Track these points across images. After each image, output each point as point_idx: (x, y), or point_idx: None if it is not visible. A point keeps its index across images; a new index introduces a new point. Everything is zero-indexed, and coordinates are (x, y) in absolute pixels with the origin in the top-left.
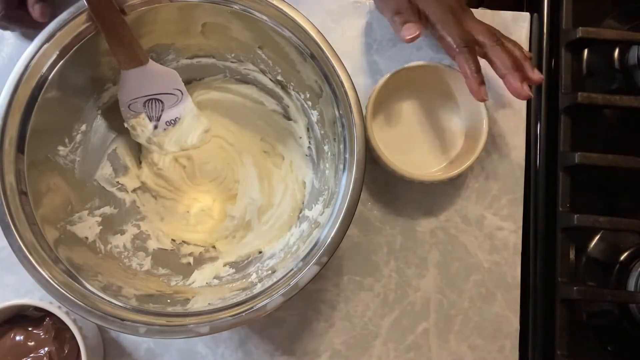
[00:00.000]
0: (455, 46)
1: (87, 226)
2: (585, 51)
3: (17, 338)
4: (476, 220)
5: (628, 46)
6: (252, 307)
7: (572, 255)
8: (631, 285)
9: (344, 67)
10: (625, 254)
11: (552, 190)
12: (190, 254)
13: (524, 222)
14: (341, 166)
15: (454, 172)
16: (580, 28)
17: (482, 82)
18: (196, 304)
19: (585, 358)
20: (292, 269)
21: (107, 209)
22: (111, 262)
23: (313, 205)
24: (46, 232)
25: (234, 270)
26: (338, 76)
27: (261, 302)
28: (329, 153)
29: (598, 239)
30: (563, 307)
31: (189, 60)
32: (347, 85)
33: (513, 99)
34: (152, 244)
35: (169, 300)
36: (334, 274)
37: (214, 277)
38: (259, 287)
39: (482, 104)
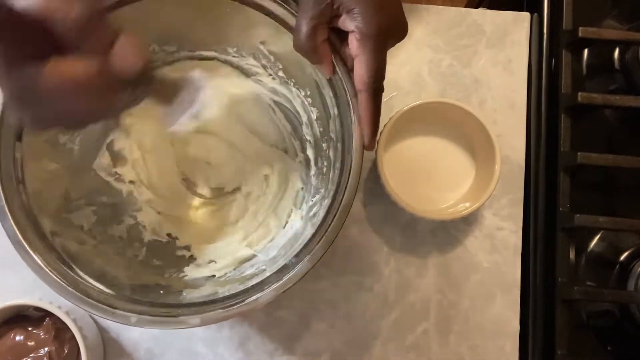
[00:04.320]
0: (368, 80)
1: (84, 215)
2: (585, 51)
3: (17, 338)
4: (476, 220)
5: (628, 46)
6: (243, 301)
7: (572, 255)
8: (631, 285)
9: (345, 64)
10: (625, 254)
11: (552, 190)
12: (186, 247)
13: (524, 222)
14: (338, 164)
15: (464, 211)
16: (580, 28)
17: (376, 134)
18: (189, 296)
19: (585, 358)
20: (286, 265)
21: (104, 199)
22: (106, 251)
23: (309, 203)
24: (42, 219)
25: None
26: (338, 73)
27: (253, 296)
28: (327, 151)
29: (598, 239)
30: (563, 307)
31: (191, 53)
32: (347, 83)
33: (513, 99)
34: (148, 236)
35: (162, 292)
36: (334, 274)
37: (208, 270)
38: (252, 282)
39: (496, 145)
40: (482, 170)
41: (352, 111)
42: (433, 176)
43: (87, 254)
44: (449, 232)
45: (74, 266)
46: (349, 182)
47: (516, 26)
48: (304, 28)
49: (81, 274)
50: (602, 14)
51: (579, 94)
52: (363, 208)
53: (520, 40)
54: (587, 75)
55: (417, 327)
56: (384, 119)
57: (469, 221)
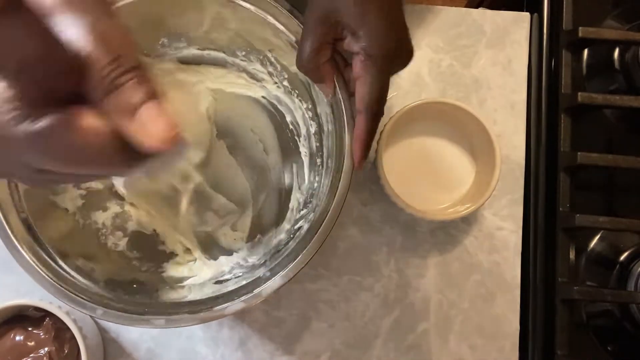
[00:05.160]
0: (369, 102)
1: (70, 197)
2: (585, 51)
3: (17, 338)
4: (476, 220)
5: (628, 46)
6: (211, 308)
7: (572, 255)
8: (631, 285)
9: (346, 84)
10: (625, 254)
11: (552, 190)
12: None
13: (524, 222)
14: (327, 181)
15: (464, 211)
16: (580, 28)
17: (367, 155)
18: (161, 296)
19: (585, 358)
20: (259, 278)
21: (93, 184)
22: (87, 237)
23: (297, 216)
24: (25, 197)
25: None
26: (337, 92)
27: (221, 305)
28: (320, 166)
29: (598, 239)
30: (563, 307)
31: (200, 51)
32: (344, 103)
33: (513, 99)
34: (132, 226)
35: (135, 286)
36: (334, 274)
37: (187, 270)
38: (227, 288)
39: (496, 145)
40: (482, 170)
41: (346, 132)
42: (433, 176)
43: (66, 238)
44: (449, 232)
45: (52, 253)
46: (334, 203)
47: (516, 26)
48: (307, 48)
49: (60, 262)
50: (602, 14)
51: (579, 94)
52: (363, 208)
53: (520, 40)
54: (587, 75)
55: (417, 327)
56: (384, 119)
57: (469, 221)
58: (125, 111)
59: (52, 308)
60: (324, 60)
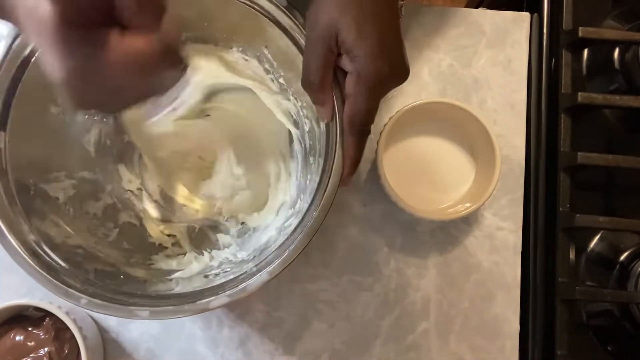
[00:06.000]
0: (356, 122)
1: (61, 187)
2: (585, 51)
3: (17, 338)
4: (476, 220)
5: (628, 46)
6: (194, 302)
7: (572, 255)
8: (631, 285)
9: (340, 88)
10: (625, 254)
11: (552, 190)
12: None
13: (524, 222)
14: (317, 178)
15: (464, 211)
16: (580, 28)
17: (354, 172)
18: (149, 289)
19: (585, 358)
20: (245, 272)
21: (85, 174)
22: (76, 227)
23: (287, 213)
24: (15, 184)
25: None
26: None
27: (206, 299)
28: (312, 165)
29: (598, 239)
30: (563, 307)
31: (193, 44)
32: (338, 102)
33: (513, 99)
34: (123, 217)
35: (122, 277)
36: (334, 274)
37: (176, 263)
38: (215, 282)
39: (496, 145)
40: (482, 170)
41: (338, 132)
42: (433, 176)
43: (55, 227)
44: (449, 232)
45: (44, 246)
46: (322, 202)
47: (516, 26)
48: (313, 65)
49: (49, 252)
50: (602, 14)
51: (579, 94)
52: (363, 208)
53: (520, 40)
54: (587, 75)
55: (417, 327)
56: (384, 118)
57: (469, 221)
58: (153, 25)
59: (52, 308)
60: (329, 79)
